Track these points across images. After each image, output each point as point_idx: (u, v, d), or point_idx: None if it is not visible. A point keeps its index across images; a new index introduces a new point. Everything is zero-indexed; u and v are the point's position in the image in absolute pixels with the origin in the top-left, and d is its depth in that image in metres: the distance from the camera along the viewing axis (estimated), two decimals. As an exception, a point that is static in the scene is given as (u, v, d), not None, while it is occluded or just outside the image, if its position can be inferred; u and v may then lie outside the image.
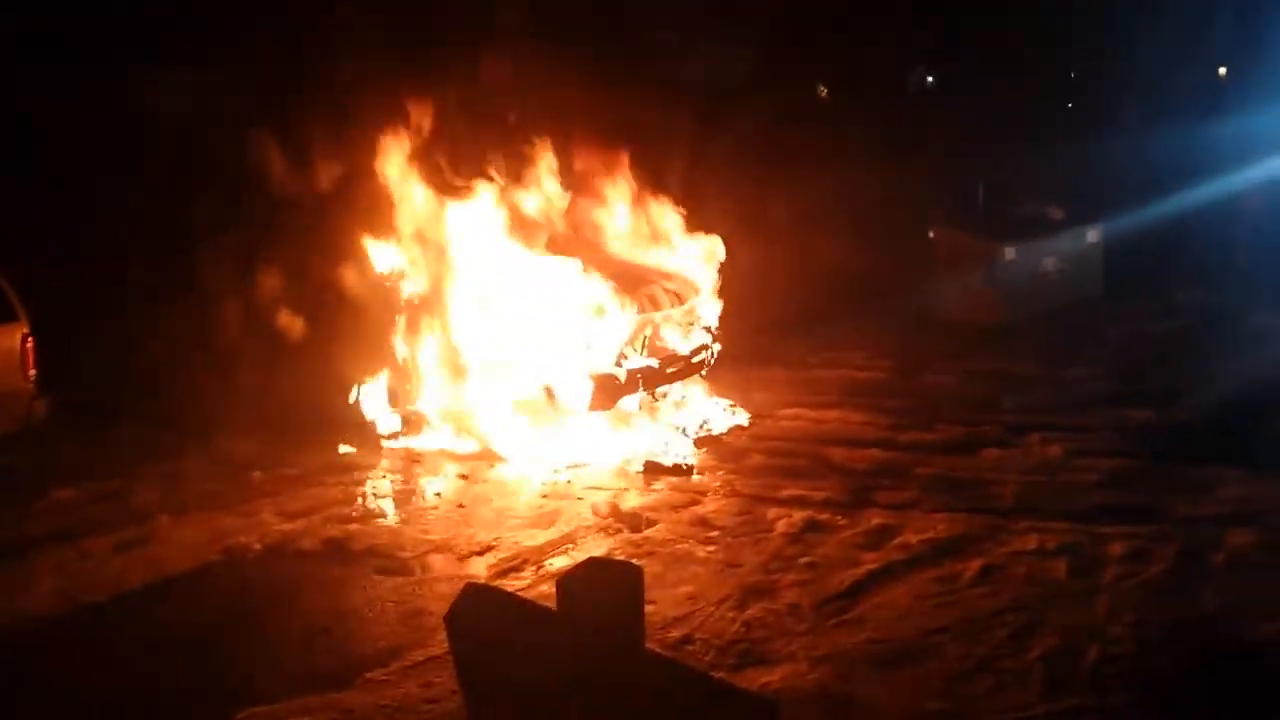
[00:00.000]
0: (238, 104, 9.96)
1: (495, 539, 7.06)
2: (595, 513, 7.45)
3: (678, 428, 9.25)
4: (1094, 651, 5.21)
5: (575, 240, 9.97)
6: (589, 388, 8.99)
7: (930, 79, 20.47)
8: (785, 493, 7.64)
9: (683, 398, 9.77)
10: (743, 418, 9.48)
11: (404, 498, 8.07)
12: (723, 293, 10.04)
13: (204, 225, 9.99)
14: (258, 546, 7.04)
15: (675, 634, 5.57)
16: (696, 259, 10.08)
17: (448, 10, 10.73)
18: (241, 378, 9.17)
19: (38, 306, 9.06)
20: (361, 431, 9.24)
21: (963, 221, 13.86)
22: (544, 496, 7.94)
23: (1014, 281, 12.87)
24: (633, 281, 9.76)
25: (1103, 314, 12.94)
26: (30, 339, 8.88)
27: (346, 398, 9.37)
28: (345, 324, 9.44)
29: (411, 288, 9.49)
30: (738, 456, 8.61)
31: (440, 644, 5.45)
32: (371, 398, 9.41)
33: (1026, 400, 9.59)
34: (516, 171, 9.70)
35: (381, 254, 9.50)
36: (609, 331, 9.25)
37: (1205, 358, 10.70)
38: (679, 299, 9.93)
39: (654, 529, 7.10)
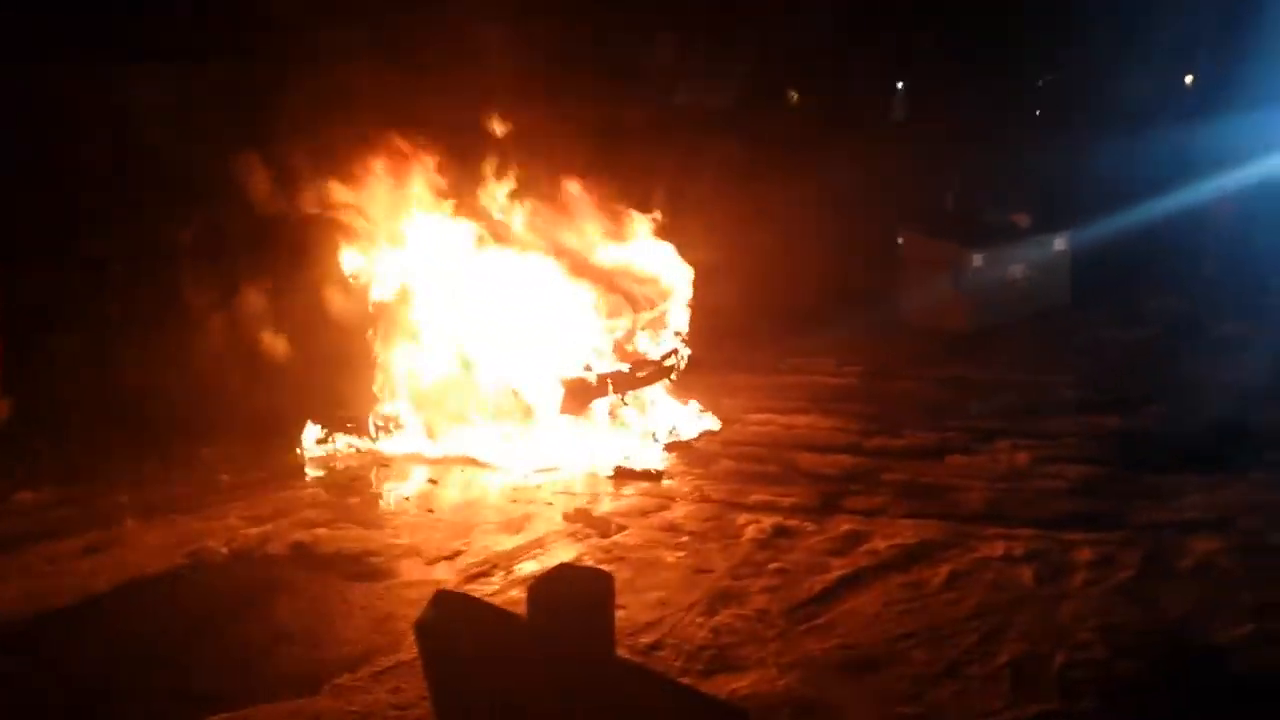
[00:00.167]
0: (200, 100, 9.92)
1: (464, 544, 7.04)
2: (565, 517, 7.45)
3: (647, 433, 9.25)
4: (1061, 657, 5.25)
5: (548, 244, 9.94)
6: (559, 392, 8.99)
7: (900, 85, 20.57)
8: (754, 498, 7.65)
9: (653, 402, 9.76)
10: (712, 423, 9.48)
11: (372, 502, 8.03)
12: (693, 298, 10.05)
13: (176, 232, 9.89)
14: (225, 551, 6.98)
15: (645, 640, 5.57)
16: (668, 264, 10.07)
17: (432, 27, 10.71)
18: (210, 380, 9.09)
19: (3, 304, 8.95)
20: (331, 435, 9.18)
21: (931, 227, 13.90)
22: (513, 501, 7.92)
23: (982, 288, 12.94)
24: (605, 285, 9.76)
25: (1071, 321, 13.02)
26: (-5, 338, 8.79)
27: (316, 401, 9.31)
28: (315, 327, 9.38)
29: (382, 291, 9.44)
30: (707, 462, 8.61)
31: (409, 650, 5.43)
32: (341, 401, 9.35)
33: (994, 407, 9.64)
34: (488, 176, 9.70)
35: (353, 258, 9.45)
36: (580, 334, 9.25)
37: (1172, 365, 10.79)
38: (651, 303, 9.93)
39: (623, 534, 7.10)
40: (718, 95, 16.25)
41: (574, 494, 8.00)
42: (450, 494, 8.13)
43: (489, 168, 9.73)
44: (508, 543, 7.04)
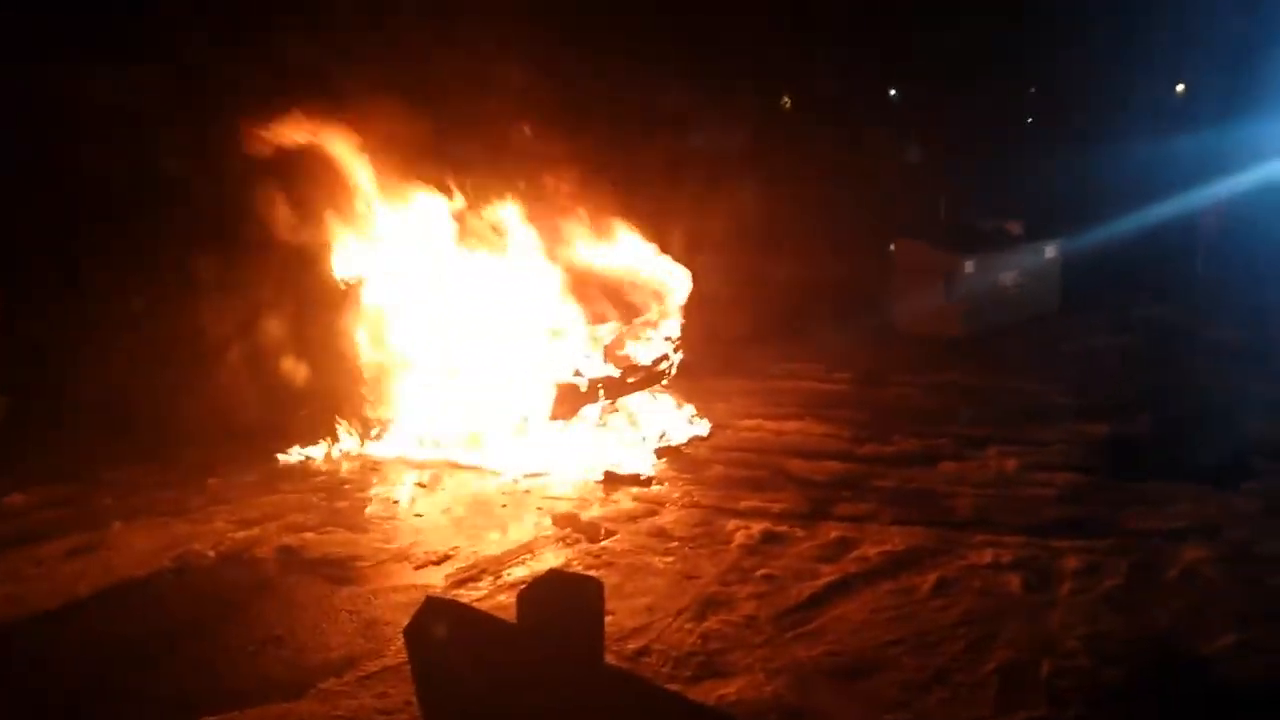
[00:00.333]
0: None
1: (453, 548, 7.02)
2: (554, 522, 7.44)
3: (638, 438, 9.25)
4: (1048, 664, 5.26)
5: (542, 250, 9.95)
6: (550, 396, 8.99)
7: (893, 93, 20.65)
8: (744, 504, 7.65)
9: (643, 408, 9.76)
10: (703, 428, 9.48)
11: (361, 506, 8.00)
12: (685, 303, 10.06)
13: (169, 241, 9.88)
14: (212, 554, 6.96)
15: (633, 645, 5.57)
16: (663, 270, 10.09)
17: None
18: (200, 385, 9.08)
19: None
20: (318, 439, 9.16)
21: (924, 234, 13.94)
22: (503, 506, 7.91)
23: (973, 295, 12.96)
24: (598, 290, 9.78)
25: (1062, 328, 13.06)
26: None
27: (305, 405, 9.30)
28: (305, 331, 9.37)
29: (373, 294, 9.43)
30: (697, 467, 8.61)
31: (395, 654, 5.43)
32: (331, 405, 9.34)
33: (984, 414, 9.66)
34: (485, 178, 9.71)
35: (343, 260, 9.44)
36: (571, 340, 9.25)
37: (1161, 372, 10.83)
38: (643, 308, 9.95)
39: (612, 539, 7.09)
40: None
41: (563, 499, 7.99)
42: (439, 498, 8.11)
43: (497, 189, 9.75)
44: (496, 547, 7.03)
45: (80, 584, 6.53)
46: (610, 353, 9.53)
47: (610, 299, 10.16)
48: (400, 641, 5.18)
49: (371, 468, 8.85)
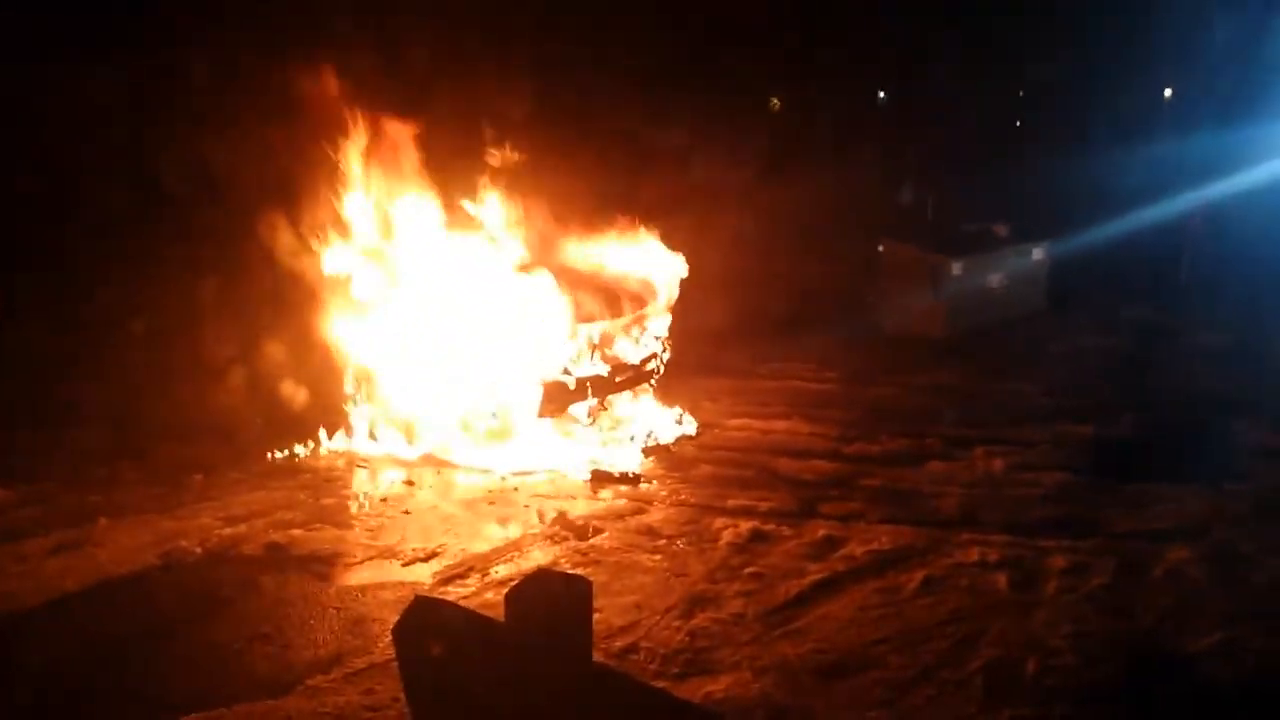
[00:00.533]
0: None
1: (440, 546, 7.02)
2: (542, 520, 7.44)
3: (626, 436, 9.25)
4: (1034, 663, 5.29)
5: (532, 246, 9.94)
6: (538, 394, 8.98)
7: (882, 95, 20.69)
8: (732, 502, 7.66)
9: (631, 406, 9.76)
10: (691, 427, 9.49)
11: (348, 503, 7.99)
12: (674, 302, 10.07)
13: (160, 236, 9.86)
14: (198, 551, 6.95)
15: (620, 643, 5.57)
16: (654, 267, 10.09)
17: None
18: (186, 380, 9.05)
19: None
20: (306, 436, 9.14)
21: (911, 236, 13.96)
22: (490, 503, 7.90)
23: (960, 296, 12.99)
24: (587, 287, 9.78)
25: (1048, 330, 13.09)
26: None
27: (292, 401, 9.28)
28: (291, 327, 9.35)
29: (361, 291, 9.41)
30: (685, 466, 8.62)
31: (382, 651, 5.43)
32: (319, 403, 9.32)
33: (970, 414, 9.68)
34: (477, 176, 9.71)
35: (331, 254, 9.41)
36: (559, 337, 9.24)
37: (1147, 374, 10.87)
38: (632, 306, 9.95)
39: (600, 537, 7.10)
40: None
41: (551, 497, 7.98)
42: (426, 496, 8.10)
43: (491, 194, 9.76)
44: (484, 545, 7.02)
45: (66, 581, 6.50)
46: (599, 351, 9.53)
47: (599, 296, 10.17)
48: (388, 638, 5.19)
49: (359, 465, 8.83)
